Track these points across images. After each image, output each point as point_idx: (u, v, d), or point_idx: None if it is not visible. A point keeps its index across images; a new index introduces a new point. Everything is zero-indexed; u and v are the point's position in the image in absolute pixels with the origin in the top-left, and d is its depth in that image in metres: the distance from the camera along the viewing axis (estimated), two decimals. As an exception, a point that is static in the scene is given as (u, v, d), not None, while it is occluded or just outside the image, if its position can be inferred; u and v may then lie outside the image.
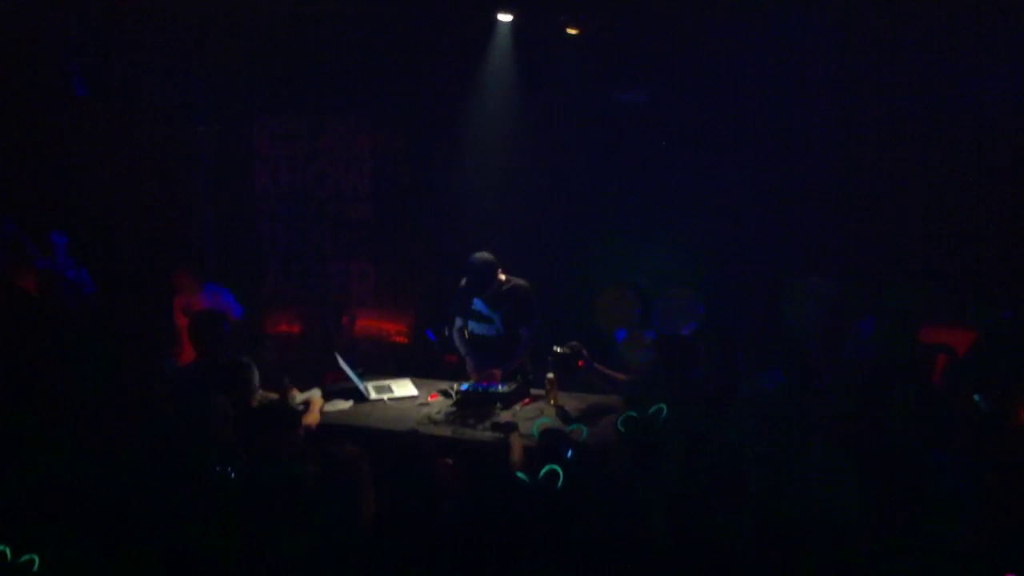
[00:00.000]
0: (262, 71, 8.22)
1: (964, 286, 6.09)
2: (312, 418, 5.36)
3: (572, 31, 7.66)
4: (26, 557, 3.50)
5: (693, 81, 7.50)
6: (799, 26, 7.03)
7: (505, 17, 7.68)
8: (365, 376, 6.25)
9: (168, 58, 8.07)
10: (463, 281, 6.29)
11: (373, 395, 6.07)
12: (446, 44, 7.87)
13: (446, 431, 5.39)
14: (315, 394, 5.72)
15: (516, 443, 4.98)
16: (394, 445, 4.84)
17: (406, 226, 8.33)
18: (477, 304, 6.29)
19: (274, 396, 5.46)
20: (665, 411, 4.61)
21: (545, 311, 6.46)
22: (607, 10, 7.50)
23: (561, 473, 4.02)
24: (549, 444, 4.52)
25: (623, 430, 4.65)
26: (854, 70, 6.97)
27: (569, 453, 4.07)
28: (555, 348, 5.76)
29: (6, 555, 3.44)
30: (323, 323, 8.68)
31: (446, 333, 6.83)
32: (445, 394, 6.01)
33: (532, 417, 5.49)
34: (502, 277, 6.18)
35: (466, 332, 6.44)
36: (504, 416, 5.55)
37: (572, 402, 5.87)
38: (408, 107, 8.18)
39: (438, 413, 5.67)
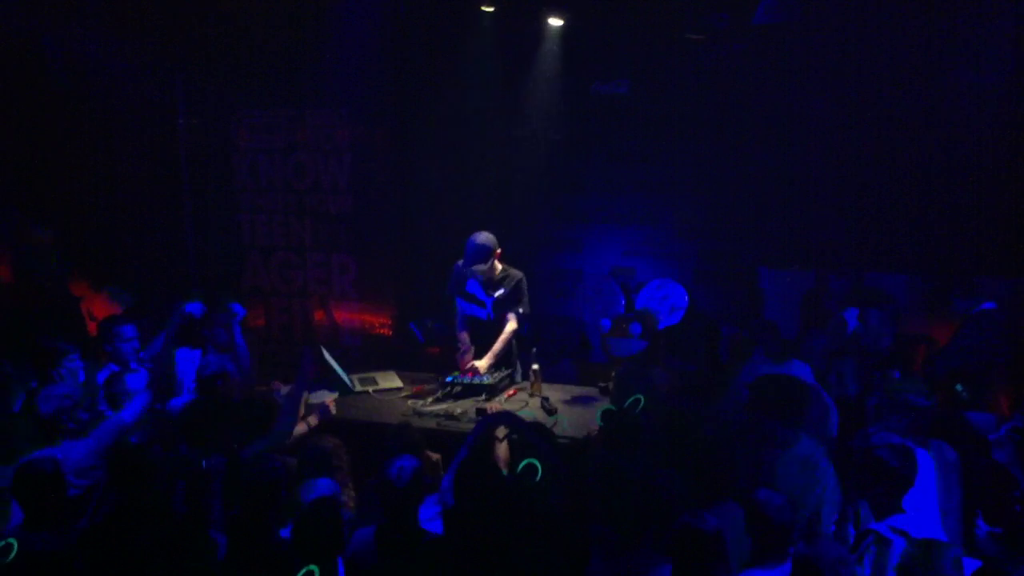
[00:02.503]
0: (242, 64, 8.17)
1: (946, 278, 6.12)
2: (302, 426, 5.30)
3: (554, 22, 7.66)
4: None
5: (672, 72, 7.52)
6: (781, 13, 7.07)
7: (488, 8, 7.66)
8: (349, 368, 6.25)
9: (148, 51, 8.00)
10: (460, 261, 6.16)
11: (358, 387, 6.07)
12: (427, 35, 7.85)
13: (431, 423, 5.39)
14: (329, 396, 5.71)
15: (503, 440, 4.97)
16: (381, 437, 4.85)
17: (387, 219, 8.31)
18: (472, 285, 6.24)
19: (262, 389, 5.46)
20: (643, 402, 4.63)
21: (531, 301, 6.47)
22: (587, 1, 7.51)
23: (540, 467, 4.04)
24: (532, 440, 4.54)
25: (601, 423, 4.69)
26: (836, 58, 6.99)
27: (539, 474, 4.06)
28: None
29: None
30: (304, 316, 8.65)
31: (429, 325, 6.83)
32: (430, 386, 6.03)
33: (516, 408, 5.52)
34: (499, 265, 6.16)
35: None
36: (491, 406, 5.55)
37: (556, 393, 5.89)
38: (388, 99, 8.15)
39: (423, 405, 5.68)
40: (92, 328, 6.94)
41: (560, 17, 7.65)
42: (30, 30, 7.62)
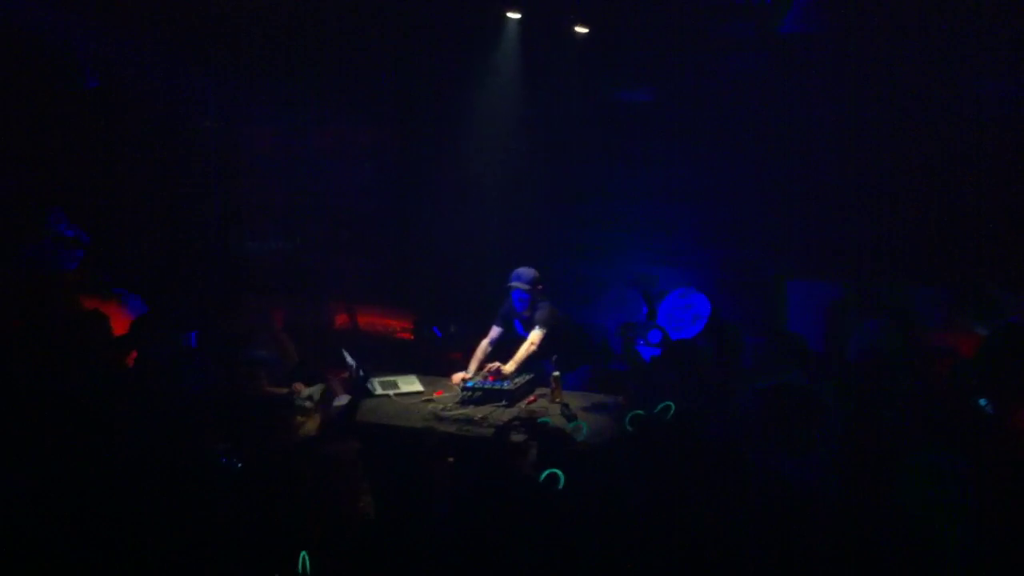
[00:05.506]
0: (266, 67, 8.22)
1: (969, 290, 6.08)
2: (313, 415, 5.34)
3: (580, 30, 7.67)
4: None
5: (696, 80, 7.51)
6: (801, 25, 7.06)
7: (514, 15, 7.67)
8: (370, 372, 6.27)
9: (172, 54, 8.06)
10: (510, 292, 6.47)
11: (379, 391, 6.09)
12: (453, 41, 7.87)
13: (451, 428, 5.39)
14: (319, 389, 5.73)
15: (533, 448, 4.96)
16: (401, 441, 4.86)
17: (409, 223, 8.34)
18: (517, 325, 6.57)
19: (282, 391, 5.48)
20: (673, 409, 4.62)
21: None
22: (613, 9, 7.50)
23: (562, 476, 4.03)
24: (552, 446, 4.53)
25: (630, 428, 4.66)
26: (859, 72, 6.97)
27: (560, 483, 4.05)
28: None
29: None
30: (322, 318, 8.67)
31: (452, 329, 6.86)
32: (450, 390, 6.05)
33: (537, 415, 5.51)
34: (534, 299, 6.43)
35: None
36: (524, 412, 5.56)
37: (576, 400, 5.88)
38: (410, 104, 8.19)
39: (444, 410, 5.69)
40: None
41: (585, 25, 7.66)
42: (58, 33, 7.69)
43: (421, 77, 8.07)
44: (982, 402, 5.25)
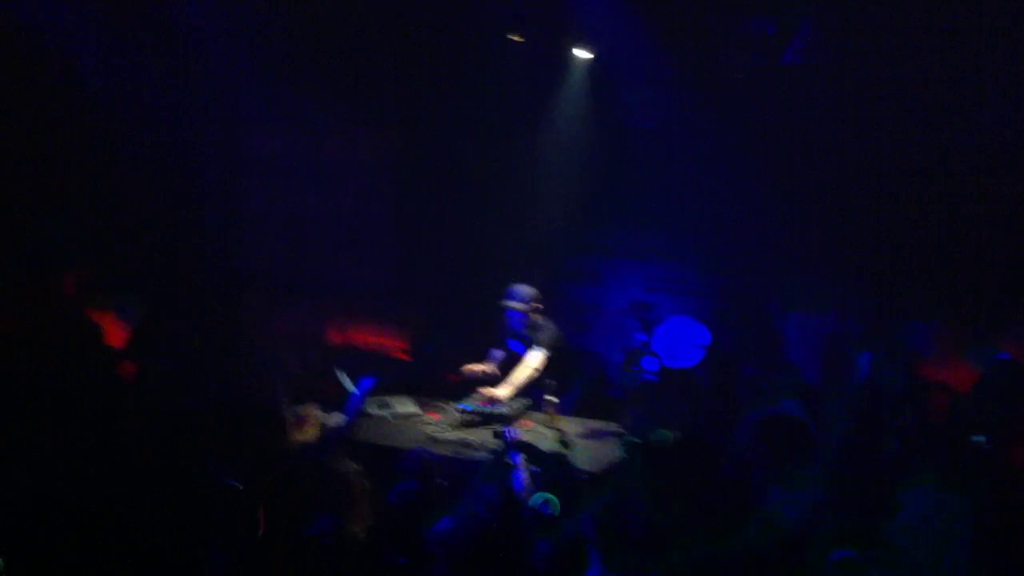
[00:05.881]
0: (270, 74, 8.25)
1: (965, 325, 6.10)
2: (308, 433, 5.33)
3: (583, 55, 7.69)
4: None
5: (699, 109, 7.53)
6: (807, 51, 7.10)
7: (517, 38, 7.68)
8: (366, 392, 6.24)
9: (183, 63, 8.07)
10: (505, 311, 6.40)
11: (375, 411, 6.06)
12: (455, 63, 7.88)
13: (447, 450, 5.37)
14: (310, 408, 5.70)
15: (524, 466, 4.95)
16: (396, 462, 4.82)
17: (408, 241, 8.34)
18: (512, 344, 6.48)
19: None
20: (669, 437, 4.61)
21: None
22: (617, 36, 7.53)
23: (557, 502, 4.02)
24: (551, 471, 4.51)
25: (626, 455, 4.66)
26: (862, 104, 6.99)
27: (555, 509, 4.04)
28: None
29: None
30: (320, 333, 8.65)
31: (439, 340, 6.84)
32: (445, 413, 6.02)
33: (533, 439, 5.48)
34: (538, 318, 6.35)
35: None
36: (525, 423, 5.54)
37: (572, 427, 5.86)
38: (412, 118, 8.19)
39: (439, 432, 5.66)
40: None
41: (588, 50, 7.67)
42: (59, 42, 7.70)
43: (424, 95, 8.08)
44: (978, 438, 5.26)
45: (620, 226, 7.90)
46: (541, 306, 6.37)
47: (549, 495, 4.07)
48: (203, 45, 8.03)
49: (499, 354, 6.53)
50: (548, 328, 6.35)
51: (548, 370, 6.17)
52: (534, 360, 6.21)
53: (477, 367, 6.32)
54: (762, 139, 7.30)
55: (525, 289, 6.35)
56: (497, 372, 6.39)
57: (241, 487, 4.33)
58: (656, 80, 7.56)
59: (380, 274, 8.46)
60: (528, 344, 6.35)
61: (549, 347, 6.26)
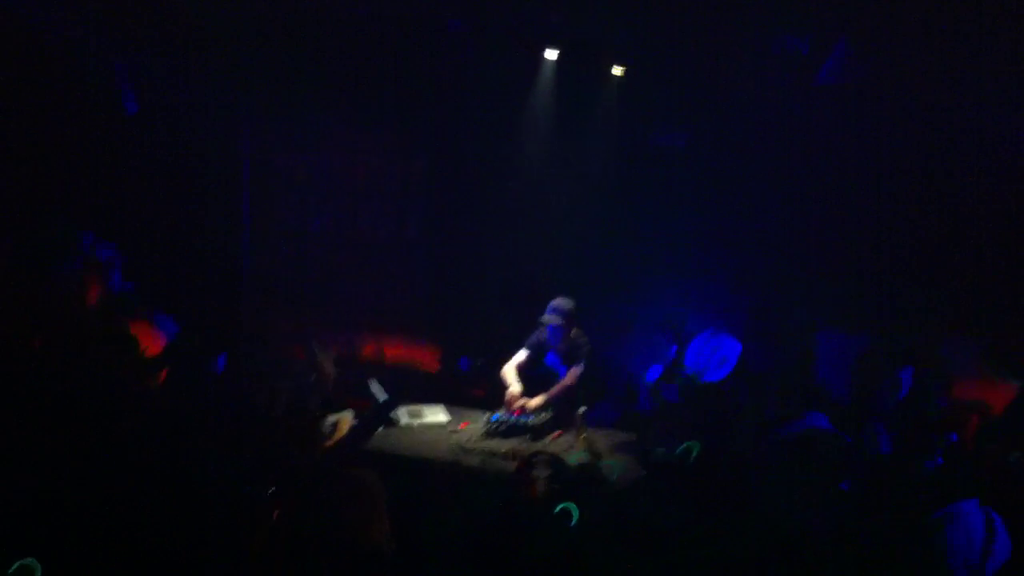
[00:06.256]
0: (298, 96, 8.38)
1: (1001, 342, 6.02)
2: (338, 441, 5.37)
3: (617, 72, 7.72)
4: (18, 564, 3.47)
5: (730, 126, 7.52)
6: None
7: (551, 54, 7.73)
8: (398, 403, 6.28)
9: (208, 78, 8.21)
10: (542, 324, 6.42)
11: (404, 420, 6.09)
12: (489, 79, 7.94)
13: (475, 460, 5.38)
14: (345, 416, 5.73)
15: (540, 479, 4.94)
16: (423, 472, 4.85)
17: (440, 255, 8.39)
18: (550, 358, 6.53)
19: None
20: (696, 450, 4.59)
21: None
22: (650, 53, 7.55)
23: (576, 512, 4.01)
24: (579, 484, 4.50)
25: (649, 468, 4.65)
26: (896, 123, 6.96)
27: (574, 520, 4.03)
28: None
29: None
30: (350, 347, 8.71)
31: (477, 363, 6.85)
32: (475, 423, 6.04)
33: (562, 451, 5.48)
34: (578, 333, 6.42)
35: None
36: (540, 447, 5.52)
37: (600, 439, 5.85)
38: (444, 138, 8.27)
39: (468, 441, 5.68)
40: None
41: (622, 66, 7.71)
42: (100, 58, 7.84)
43: (458, 113, 8.15)
44: (1013, 458, 5.19)
45: (652, 241, 7.88)
46: (578, 320, 6.38)
47: (569, 504, 4.06)
48: (237, 65, 8.18)
49: (527, 356, 6.52)
50: (586, 344, 6.37)
51: (580, 383, 6.21)
52: (572, 376, 6.27)
53: (514, 389, 6.30)
54: (794, 156, 7.29)
55: (566, 303, 6.36)
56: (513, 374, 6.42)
57: (253, 491, 4.36)
58: (688, 97, 7.56)
59: (413, 289, 8.52)
60: (565, 359, 6.38)
61: (584, 360, 6.29)
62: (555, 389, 6.22)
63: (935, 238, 6.87)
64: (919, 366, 6.07)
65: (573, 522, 3.99)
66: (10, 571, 3.42)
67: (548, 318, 6.32)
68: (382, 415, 5.94)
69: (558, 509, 4.05)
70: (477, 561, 4.09)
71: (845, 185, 7.18)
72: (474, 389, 7.43)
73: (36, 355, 6.22)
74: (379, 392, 6.16)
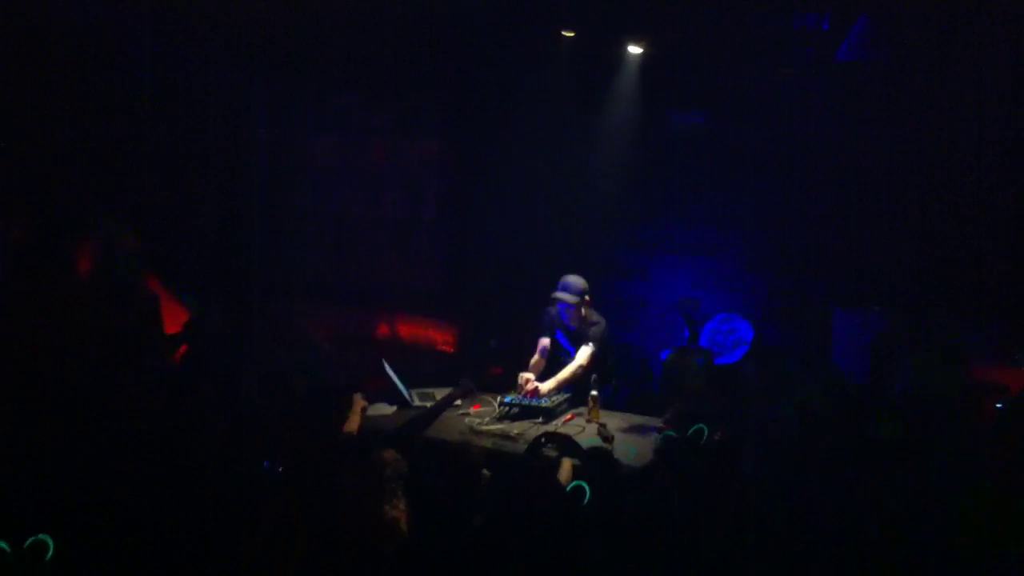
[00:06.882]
0: (321, 80, 8.41)
1: (1020, 326, 5.96)
2: (352, 422, 5.40)
3: (634, 50, 7.66)
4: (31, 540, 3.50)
5: (748, 105, 7.46)
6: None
7: (568, 33, 7.67)
8: (410, 383, 6.30)
9: (229, 62, 8.23)
10: (552, 303, 6.32)
11: (416, 402, 6.11)
12: (507, 59, 7.91)
13: (487, 442, 5.39)
14: (356, 398, 5.75)
15: (566, 462, 4.95)
16: (440, 453, 4.86)
17: (455, 239, 8.40)
18: (560, 337, 6.41)
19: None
20: (706, 433, 4.57)
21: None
22: (668, 31, 7.48)
23: (588, 490, 4.01)
24: (587, 463, 4.50)
25: (661, 450, 4.64)
26: (915, 100, 6.88)
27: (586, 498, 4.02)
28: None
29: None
30: (367, 328, 8.76)
31: (492, 344, 6.84)
32: (488, 405, 6.05)
33: (574, 434, 5.47)
34: (585, 311, 6.26)
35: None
36: (558, 429, 5.51)
37: (614, 421, 5.84)
38: (462, 121, 8.25)
39: (481, 424, 5.69)
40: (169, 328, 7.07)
41: (640, 45, 7.64)
42: (117, 38, 7.88)
43: (476, 93, 8.13)
44: (1031, 440, 5.14)
45: (667, 222, 7.84)
46: (590, 298, 6.27)
47: (582, 483, 4.06)
48: (254, 47, 8.20)
49: (548, 343, 6.44)
50: (599, 322, 6.30)
51: (594, 365, 6.15)
52: (583, 356, 6.18)
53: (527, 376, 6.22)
54: (811, 135, 7.21)
55: (577, 281, 6.19)
56: (542, 364, 6.37)
57: (281, 470, 4.39)
58: (706, 76, 7.49)
59: (430, 273, 8.54)
60: (576, 338, 6.32)
61: (599, 343, 6.23)
62: (567, 371, 6.14)
63: (956, 219, 6.79)
64: (938, 348, 6.02)
65: (586, 500, 4.00)
66: (24, 546, 3.47)
67: (559, 296, 6.17)
68: (447, 402, 5.92)
69: (571, 487, 4.06)
70: (490, 539, 4.11)
71: (864, 164, 7.10)
72: (492, 368, 7.44)
73: (57, 332, 6.31)
74: (391, 373, 6.17)
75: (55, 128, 7.79)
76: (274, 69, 8.49)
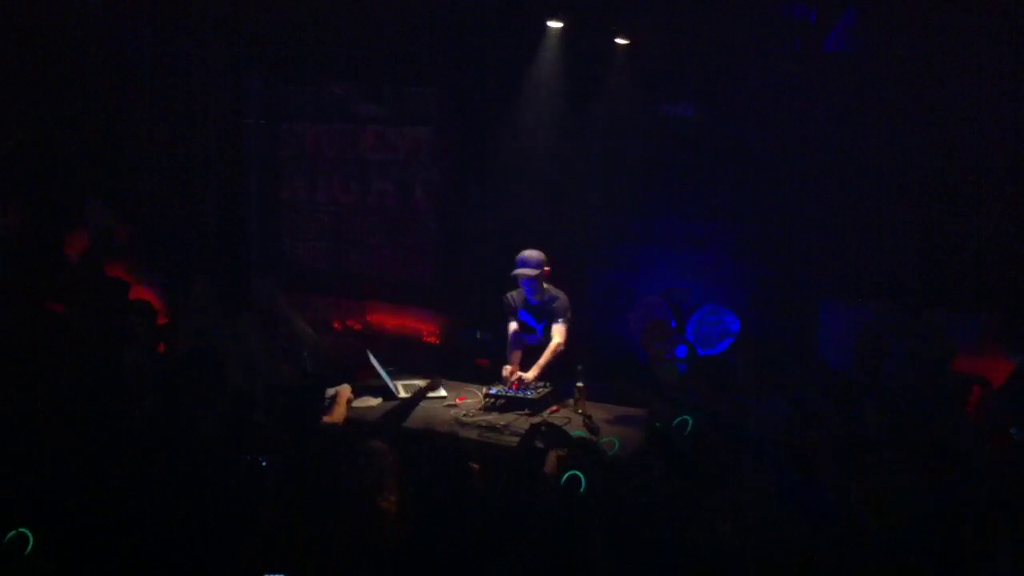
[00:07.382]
0: (312, 68, 8.38)
1: (1003, 317, 5.96)
2: (338, 414, 5.40)
3: (622, 41, 7.63)
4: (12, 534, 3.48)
5: (737, 96, 7.43)
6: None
7: (555, 24, 7.64)
8: (395, 375, 6.29)
9: (221, 50, 8.20)
10: (512, 286, 6.37)
11: (402, 394, 6.10)
12: (493, 49, 7.88)
13: (473, 434, 5.39)
14: (343, 389, 5.75)
15: (551, 453, 4.94)
16: (425, 445, 4.85)
17: (440, 230, 8.39)
18: (523, 315, 6.40)
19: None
20: (691, 424, 4.57)
21: (582, 319, 6.53)
22: (656, 22, 7.46)
23: (583, 479, 4.00)
24: (578, 454, 4.50)
25: (647, 442, 4.64)
26: (903, 92, 6.87)
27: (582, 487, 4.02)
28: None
29: None
30: (352, 320, 8.75)
31: (478, 336, 6.84)
32: (473, 396, 6.05)
33: (560, 425, 5.47)
34: (545, 285, 6.25)
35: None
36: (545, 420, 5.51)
37: (600, 412, 5.84)
38: (448, 111, 8.23)
39: (466, 415, 5.69)
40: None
41: (628, 36, 7.62)
42: (115, 23, 7.86)
43: (464, 82, 8.10)
44: (1013, 431, 5.17)
45: (655, 213, 7.81)
46: (548, 268, 6.24)
47: (576, 471, 4.05)
48: (244, 33, 8.17)
49: (515, 330, 6.43)
50: (560, 296, 6.29)
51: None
52: (558, 334, 6.19)
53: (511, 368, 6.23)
54: (801, 126, 7.19)
55: (533, 253, 6.18)
56: (519, 354, 6.36)
57: (265, 464, 4.38)
58: (693, 67, 7.47)
59: (419, 263, 8.53)
60: (539, 312, 6.31)
61: (567, 317, 6.22)
62: (546, 355, 6.15)
63: (942, 212, 6.79)
64: (922, 340, 6.04)
65: (582, 489, 3.99)
66: (5, 539, 3.47)
67: (520, 272, 6.16)
68: (421, 395, 5.92)
69: (566, 477, 4.06)
70: (484, 532, 4.11)
71: (852, 155, 7.09)
72: (478, 360, 7.43)
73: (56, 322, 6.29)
74: (377, 365, 6.17)
75: (49, 117, 7.77)
76: (267, 58, 8.46)
